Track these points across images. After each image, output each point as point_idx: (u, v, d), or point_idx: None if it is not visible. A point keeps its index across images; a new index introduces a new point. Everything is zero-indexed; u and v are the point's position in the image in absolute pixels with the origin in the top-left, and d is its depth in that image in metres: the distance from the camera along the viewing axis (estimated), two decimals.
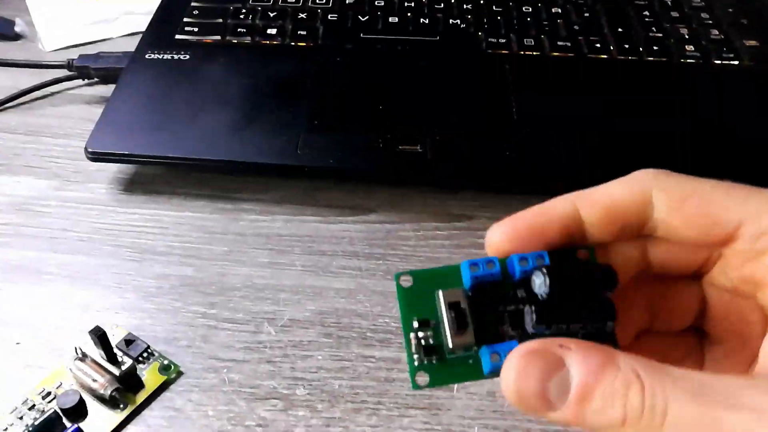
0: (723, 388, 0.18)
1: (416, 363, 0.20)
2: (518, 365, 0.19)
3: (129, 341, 0.29)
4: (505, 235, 0.21)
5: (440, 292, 0.20)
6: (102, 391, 0.27)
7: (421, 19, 0.45)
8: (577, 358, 0.19)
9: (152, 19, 0.45)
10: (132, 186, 0.38)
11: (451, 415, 0.28)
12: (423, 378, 0.20)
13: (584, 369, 0.19)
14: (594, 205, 0.21)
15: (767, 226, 0.20)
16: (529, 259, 0.20)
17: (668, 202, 0.21)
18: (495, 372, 0.20)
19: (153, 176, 0.39)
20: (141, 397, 0.28)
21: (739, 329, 0.23)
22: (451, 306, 0.20)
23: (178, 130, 0.37)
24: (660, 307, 0.26)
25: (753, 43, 0.43)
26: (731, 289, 0.22)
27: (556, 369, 0.19)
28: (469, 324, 0.20)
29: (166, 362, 0.29)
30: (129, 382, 0.28)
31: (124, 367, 0.28)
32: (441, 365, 0.20)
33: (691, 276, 0.24)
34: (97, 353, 0.28)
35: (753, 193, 0.20)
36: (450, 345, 0.19)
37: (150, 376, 0.29)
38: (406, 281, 0.20)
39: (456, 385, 0.29)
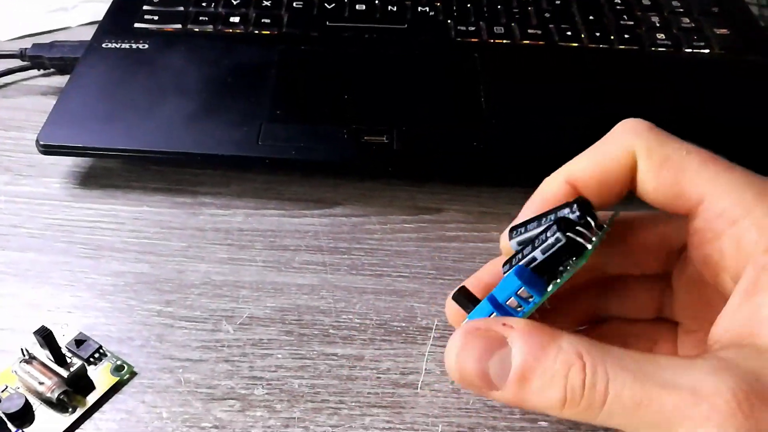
0: (664, 368, 0.18)
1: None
2: (460, 343, 0.20)
3: (80, 341, 0.28)
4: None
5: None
6: (49, 394, 0.26)
7: (389, 7, 0.44)
8: (519, 338, 0.19)
9: (110, 7, 0.43)
10: (87, 180, 0.37)
11: (414, 413, 0.27)
12: None
13: (525, 349, 0.19)
14: (589, 180, 0.22)
15: (725, 207, 0.20)
16: None
17: (648, 163, 0.21)
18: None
19: (110, 170, 0.37)
20: (91, 399, 0.27)
21: (707, 317, 0.22)
22: None
23: (135, 121, 0.36)
24: (620, 300, 0.25)
25: (723, 31, 0.43)
26: (695, 273, 0.22)
27: (497, 348, 0.19)
28: None
29: (118, 363, 0.28)
30: (78, 384, 0.27)
31: (72, 369, 0.27)
32: None
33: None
34: (44, 354, 0.27)
35: (724, 170, 0.20)
36: None
37: (102, 377, 0.28)
38: None
39: (420, 382, 0.28)
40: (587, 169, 0.22)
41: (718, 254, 0.20)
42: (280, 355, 0.29)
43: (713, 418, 0.16)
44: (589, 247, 0.19)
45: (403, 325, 0.31)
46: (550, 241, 0.19)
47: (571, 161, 0.23)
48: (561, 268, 0.20)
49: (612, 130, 0.22)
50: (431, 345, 0.30)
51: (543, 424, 0.27)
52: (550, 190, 0.23)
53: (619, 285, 0.25)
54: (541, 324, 0.19)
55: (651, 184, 0.21)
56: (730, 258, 0.20)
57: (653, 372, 0.18)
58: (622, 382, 0.18)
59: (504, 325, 0.19)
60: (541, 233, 0.20)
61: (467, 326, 0.20)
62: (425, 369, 0.29)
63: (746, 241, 0.19)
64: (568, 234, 0.19)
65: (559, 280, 0.20)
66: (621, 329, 0.26)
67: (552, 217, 0.21)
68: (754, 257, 0.19)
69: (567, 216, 0.20)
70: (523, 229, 0.22)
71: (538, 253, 0.20)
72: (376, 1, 0.44)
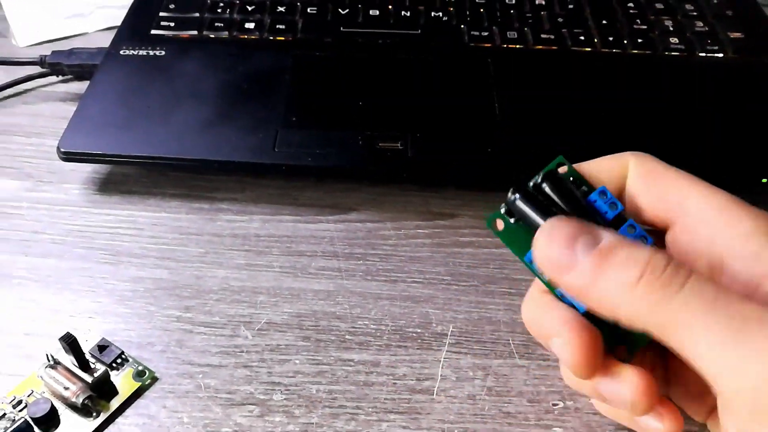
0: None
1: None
2: (555, 221, 0.21)
3: (102, 347, 0.29)
4: None
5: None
6: (74, 399, 0.27)
7: (403, 12, 0.44)
8: (613, 234, 0.20)
9: (127, 13, 0.44)
10: (106, 186, 0.37)
11: (430, 419, 0.28)
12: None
13: (617, 237, 0.20)
14: (585, 172, 0.24)
15: (700, 209, 0.22)
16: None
17: (638, 172, 0.24)
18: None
19: (128, 176, 0.38)
20: (115, 404, 0.27)
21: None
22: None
23: (153, 128, 0.36)
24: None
25: (737, 35, 0.43)
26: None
27: (590, 233, 0.20)
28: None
29: (140, 368, 0.29)
30: (102, 389, 0.27)
31: (96, 374, 0.27)
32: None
33: None
34: (68, 360, 0.28)
35: (700, 183, 0.23)
36: None
37: (124, 382, 0.28)
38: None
39: (436, 388, 0.29)
40: (585, 166, 0.24)
41: (694, 252, 0.22)
42: (297, 361, 0.30)
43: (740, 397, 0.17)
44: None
45: (419, 331, 0.31)
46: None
47: (578, 164, 0.25)
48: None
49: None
50: (446, 351, 0.30)
51: (558, 431, 0.27)
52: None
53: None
54: None
55: (638, 187, 0.23)
56: (706, 255, 0.21)
57: (733, 293, 0.18)
58: (704, 283, 0.18)
59: (603, 228, 0.21)
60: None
61: (562, 218, 0.21)
62: (441, 375, 0.29)
63: (721, 238, 0.21)
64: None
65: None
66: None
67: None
68: (735, 250, 0.20)
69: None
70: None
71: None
72: (390, 7, 0.45)
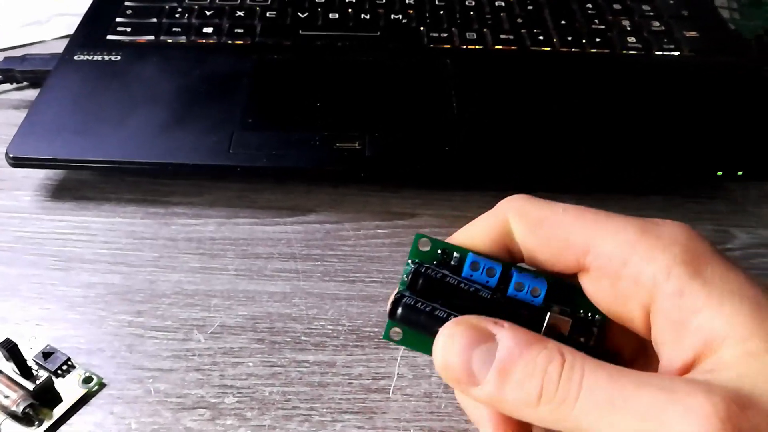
0: (640, 374, 0.18)
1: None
2: (448, 332, 0.20)
3: (47, 354, 0.28)
4: None
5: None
6: (14, 408, 0.26)
7: (362, 15, 0.44)
8: (508, 333, 0.19)
9: (83, 19, 0.43)
10: (60, 193, 0.37)
11: (386, 418, 0.27)
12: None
13: (511, 343, 0.19)
14: (459, 242, 0.22)
15: (612, 250, 0.20)
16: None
17: (523, 226, 0.21)
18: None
19: (82, 182, 0.37)
20: (58, 412, 0.27)
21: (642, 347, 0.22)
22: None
23: (107, 132, 0.36)
24: None
25: (693, 34, 0.44)
26: (614, 314, 0.22)
27: (484, 341, 0.19)
28: None
29: (87, 374, 0.28)
30: (45, 397, 0.27)
31: (38, 381, 0.26)
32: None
33: None
34: (9, 368, 0.27)
35: (601, 217, 0.21)
36: None
37: (70, 389, 0.27)
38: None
39: (392, 387, 0.28)
40: (460, 237, 0.23)
41: (621, 297, 0.20)
42: (251, 363, 0.29)
43: (690, 419, 0.16)
44: None
45: (376, 330, 0.30)
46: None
47: (452, 236, 0.23)
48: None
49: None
50: (404, 350, 0.30)
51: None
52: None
53: None
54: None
55: (533, 243, 0.21)
56: (635, 296, 0.20)
57: (629, 374, 0.18)
58: (596, 378, 0.17)
59: (496, 323, 0.19)
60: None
61: (459, 319, 0.20)
62: (397, 374, 0.29)
63: (643, 276, 0.19)
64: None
65: None
66: None
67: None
68: (660, 287, 0.19)
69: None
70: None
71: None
72: (349, 10, 0.45)
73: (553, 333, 0.20)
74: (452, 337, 0.19)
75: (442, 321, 0.20)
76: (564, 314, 0.21)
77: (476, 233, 0.22)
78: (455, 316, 0.20)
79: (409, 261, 0.22)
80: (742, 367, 0.17)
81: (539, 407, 0.18)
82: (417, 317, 0.20)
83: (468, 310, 0.20)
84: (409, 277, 0.21)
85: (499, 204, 0.22)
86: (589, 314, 0.21)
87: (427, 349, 0.21)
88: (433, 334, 0.20)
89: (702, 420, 0.16)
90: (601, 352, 0.21)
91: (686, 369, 0.18)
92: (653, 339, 0.20)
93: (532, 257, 0.21)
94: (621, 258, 0.20)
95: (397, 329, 0.21)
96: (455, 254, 0.22)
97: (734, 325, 0.17)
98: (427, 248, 0.22)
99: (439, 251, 0.22)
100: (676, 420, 0.16)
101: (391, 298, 0.21)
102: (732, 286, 0.18)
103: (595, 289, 0.21)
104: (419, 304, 0.20)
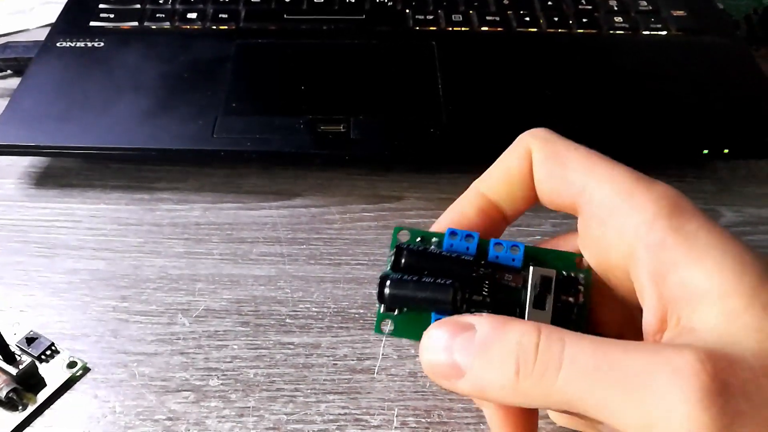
0: (623, 341, 0.17)
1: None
2: (431, 332, 0.20)
3: (31, 339, 0.28)
4: None
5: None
6: None
7: None
8: (485, 320, 0.19)
9: (65, 6, 0.43)
10: (44, 180, 0.37)
11: (370, 398, 0.27)
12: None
13: (488, 326, 0.19)
14: (492, 186, 0.23)
15: (604, 196, 0.20)
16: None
17: (539, 157, 0.22)
18: None
19: (67, 170, 0.37)
20: (42, 396, 0.26)
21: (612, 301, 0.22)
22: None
23: (90, 119, 0.36)
24: None
25: (680, 13, 0.43)
26: (599, 264, 0.22)
27: (464, 330, 0.19)
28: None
29: (71, 359, 0.28)
30: (28, 382, 0.27)
31: (21, 366, 0.26)
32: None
33: None
34: None
35: (604, 163, 0.21)
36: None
37: (54, 374, 0.27)
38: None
39: (377, 367, 0.28)
40: (494, 177, 0.23)
41: (606, 243, 0.20)
42: (236, 346, 0.29)
43: (678, 378, 0.16)
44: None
45: (361, 311, 0.30)
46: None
47: (482, 175, 0.23)
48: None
49: (515, 140, 0.23)
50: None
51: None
52: (464, 202, 0.23)
53: None
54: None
55: (540, 174, 0.21)
56: (617, 246, 0.20)
57: (614, 342, 0.17)
58: (580, 347, 0.17)
59: (474, 315, 0.20)
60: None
61: (439, 321, 0.20)
62: (382, 354, 0.29)
63: (628, 226, 0.19)
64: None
65: None
66: None
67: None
68: (642, 238, 0.19)
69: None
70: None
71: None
72: None
73: (545, 287, 0.21)
74: (434, 336, 0.19)
75: (430, 286, 0.20)
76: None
77: (507, 165, 0.22)
78: (442, 281, 0.20)
79: (389, 254, 0.22)
80: (723, 327, 0.17)
81: (519, 383, 0.18)
82: (405, 290, 0.20)
83: (452, 275, 0.20)
84: (392, 257, 0.21)
85: (521, 136, 0.22)
86: (572, 273, 0.21)
87: (421, 334, 0.20)
88: (423, 303, 0.20)
89: (691, 378, 0.15)
90: (589, 312, 0.21)
91: (664, 322, 0.18)
92: (637, 291, 0.19)
93: (541, 189, 0.22)
94: (610, 205, 0.20)
95: (388, 320, 0.21)
96: (434, 239, 0.22)
97: (714, 280, 0.17)
98: (406, 239, 0.22)
99: (418, 239, 0.22)
100: (665, 381, 0.16)
101: (379, 282, 0.21)
102: (715, 242, 0.18)
103: (585, 235, 0.21)
104: (405, 277, 0.21)
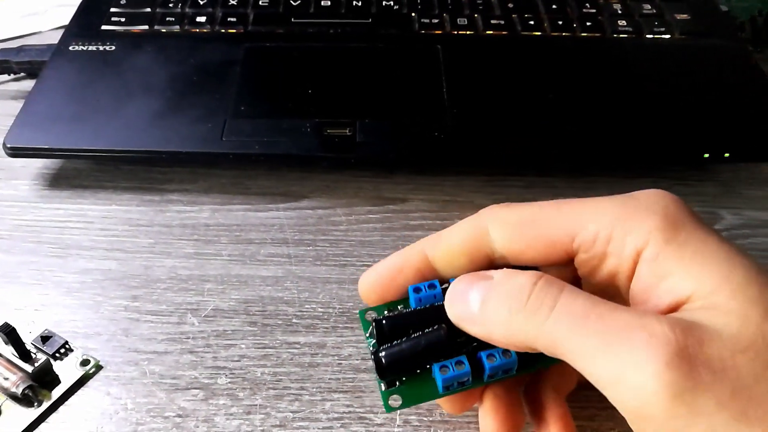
0: (612, 303, 0.19)
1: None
2: (456, 282, 0.22)
3: (45, 338, 0.29)
4: (370, 284, 0.24)
5: None
6: (14, 389, 0.27)
7: (354, 2, 0.44)
8: (502, 272, 0.21)
9: (77, 10, 0.44)
10: (57, 182, 0.37)
11: (374, 397, 0.28)
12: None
13: (502, 274, 0.21)
14: (438, 250, 0.24)
15: (596, 231, 0.21)
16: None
17: (506, 232, 0.22)
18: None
19: (79, 171, 0.38)
20: (57, 393, 0.27)
21: None
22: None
23: (102, 121, 0.36)
24: None
25: (684, 16, 0.44)
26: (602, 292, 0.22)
27: (483, 278, 0.21)
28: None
29: (84, 357, 0.29)
30: (44, 379, 0.27)
31: (37, 364, 0.27)
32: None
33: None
34: (8, 351, 0.27)
35: (578, 203, 0.22)
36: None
37: (68, 371, 0.28)
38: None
39: None
40: (440, 238, 0.24)
41: (611, 276, 0.21)
42: (243, 345, 0.30)
43: (652, 340, 0.17)
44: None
45: None
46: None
47: (434, 234, 0.24)
48: None
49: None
50: None
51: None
52: (408, 254, 0.24)
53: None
54: None
55: (519, 246, 0.22)
56: (622, 273, 0.21)
57: (606, 301, 0.19)
58: (575, 296, 0.19)
59: (497, 270, 0.21)
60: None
61: (462, 276, 0.22)
62: None
63: (626, 249, 0.20)
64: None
65: None
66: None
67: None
68: (640, 256, 0.20)
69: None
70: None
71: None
72: None
73: None
74: (456, 284, 0.21)
75: (422, 337, 0.21)
76: None
77: (455, 242, 0.23)
78: (429, 328, 0.21)
79: (366, 335, 0.23)
80: (706, 315, 0.18)
81: (513, 317, 0.19)
82: (400, 353, 0.21)
83: (434, 321, 0.21)
84: (373, 334, 0.22)
85: (477, 214, 0.23)
86: None
87: (432, 393, 0.21)
88: (421, 356, 0.21)
89: (662, 342, 0.17)
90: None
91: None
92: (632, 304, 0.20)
93: (520, 258, 0.22)
94: (605, 237, 0.20)
95: (395, 396, 0.22)
96: (400, 306, 0.23)
97: (701, 282, 0.18)
98: (374, 316, 0.23)
99: (385, 312, 0.23)
100: (639, 342, 0.17)
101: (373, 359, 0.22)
102: (703, 247, 0.19)
103: (590, 275, 0.22)
104: (395, 342, 0.21)
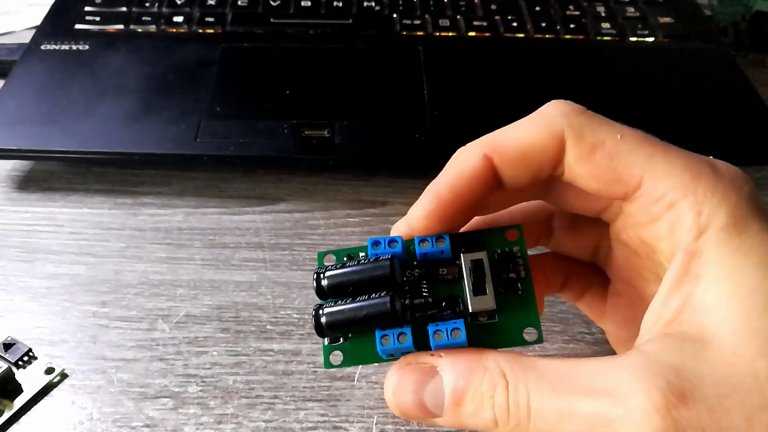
0: (584, 374, 0.18)
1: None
2: (395, 380, 0.20)
3: (8, 345, 0.28)
4: (425, 210, 0.21)
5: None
6: None
7: (335, 2, 0.44)
8: (448, 365, 0.19)
9: (51, 8, 0.43)
10: (27, 184, 0.36)
11: (349, 406, 0.27)
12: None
13: (454, 375, 0.19)
14: (507, 154, 0.21)
15: (664, 192, 0.19)
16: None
17: (578, 149, 0.20)
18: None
19: (50, 173, 0.37)
20: (19, 402, 0.26)
21: (637, 287, 0.22)
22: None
23: (73, 122, 0.35)
24: (564, 234, 0.25)
25: (667, 20, 0.43)
26: (631, 246, 0.22)
27: (428, 377, 0.19)
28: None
29: (48, 365, 0.28)
30: (5, 388, 0.26)
31: None
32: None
33: (595, 219, 0.23)
34: None
35: (661, 152, 0.20)
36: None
37: (31, 380, 0.27)
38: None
39: (357, 374, 0.28)
40: (510, 144, 0.21)
41: (653, 238, 0.20)
42: (215, 353, 0.29)
43: (631, 422, 0.16)
44: None
45: None
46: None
47: (492, 133, 0.21)
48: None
49: (539, 110, 0.21)
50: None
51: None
52: (467, 165, 0.21)
53: (566, 219, 0.25)
54: (465, 348, 0.19)
55: (583, 170, 0.20)
56: (664, 241, 0.19)
57: (574, 380, 0.18)
58: (542, 397, 0.18)
59: (432, 355, 0.20)
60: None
61: (400, 362, 0.20)
62: None
63: (681, 226, 0.19)
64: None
65: None
66: (563, 265, 0.25)
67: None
68: (685, 244, 0.19)
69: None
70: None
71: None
72: None
73: (479, 271, 0.20)
74: (399, 386, 0.20)
75: (366, 304, 0.19)
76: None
77: (528, 138, 0.20)
78: (377, 295, 0.19)
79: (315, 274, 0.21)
80: (691, 349, 0.17)
81: (499, 429, 0.19)
82: (342, 316, 0.19)
83: (379, 283, 0.19)
84: (315, 287, 0.20)
85: (547, 114, 0.20)
86: (506, 248, 0.21)
87: (374, 357, 0.20)
88: (364, 323, 0.19)
89: (644, 420, 0.16)
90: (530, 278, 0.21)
91: (662, 323, 0.18)
92: (659, 289, 0.19)
93: (577, 180, 0.20)
94: (670, 201, 0.19)
95: (335, 352, 0.20)
96: (361, 253, 0.21)
97: (720, 308, 0.17)
98: (332, 261, 0.21)
99: (344, 258, 0.21)
100: (621, 424, 0.16)
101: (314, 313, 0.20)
102: (745, 264, 0.18)
103: (631, 222, 0.20)
104: (339, 302, 0.20)
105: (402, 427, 0.26)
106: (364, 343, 0.20)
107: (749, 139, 0.36)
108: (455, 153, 0.22)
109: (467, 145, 0.21)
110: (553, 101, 0.21)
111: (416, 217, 0.21)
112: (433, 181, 0.21)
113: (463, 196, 0.21)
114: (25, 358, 0.28)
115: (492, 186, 0.21)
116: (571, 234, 0.25)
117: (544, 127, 0.20)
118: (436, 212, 0.21)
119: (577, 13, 0.44)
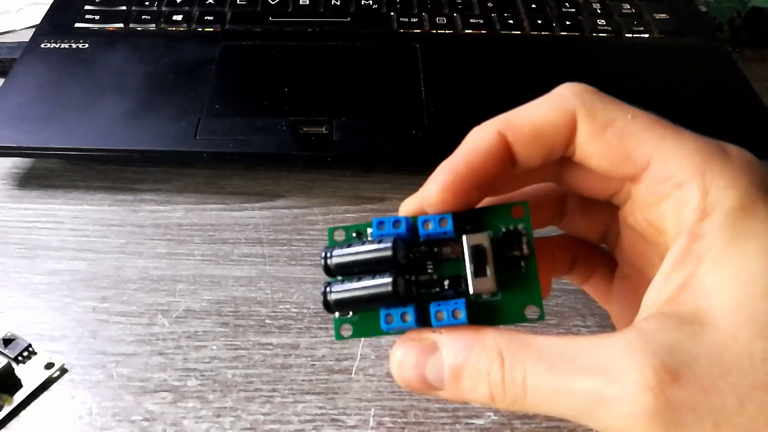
0: (580, 351, 0.18)
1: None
2: (399, 355, 0.20)
3: (8, 340, 0.28)
4: (442, 183, 0.21)
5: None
6: None
7: (333, 1, 0.44)
8: (447, 341, 0.20)
9: (51, 7, 0.43)
10: (27, 181, 0.37)
11: (347, 398, 0.27)
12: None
13: (453, 351, 0.19)
14: (521, 132, 0.21)
15: (672, 172, 0.19)
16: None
17: (590, 127, 0.20)
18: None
19: (51, 171, 0.37)
20: (19, 397, 0.27)
21: (644, 271, 0.23)
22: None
23: (73, 120, 0.36)
24: (573, 215, 0.25)
25: (663, 16, 0.44)
26: (639, 230, 0.22)
27: (430, 353, 0.20)
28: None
29: (48, 360, 0.28)
30: (5, 383, 0.27)
31: None
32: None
33: (606, 202, 0.23)
34: None
35: (671, 133, 0.20)
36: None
37: (30, 375, 0.27)
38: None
39: (354, 367, 0.28)
40: (524, 122, 0.21)
41: (660, 218, 0.20)
42: (214, 347, 0.29)
43: (624, 400, 0.16)
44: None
45: None
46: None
47: (506, 113, 0.21)
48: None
49: (553, 90, 0.21)
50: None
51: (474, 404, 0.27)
52: (482, 142, 0.21)
53: (578, 201, 0.25)
54: (466, 326, 0.20)
55: (594, 149, 0.20)
56: (670, 222, 0.20)
57: (570, 358, 0.18)
58: (538, 374, 0.18)
59: (434, 331, 0.20)
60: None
61: (404, 337, 0.20)
62: (360, 354, 0.29)
63: (686, 207, 0.19)
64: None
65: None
66: (571, 247, 0.26)
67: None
68: (689, 225, 0.19)
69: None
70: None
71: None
72: None
73: (479, 254, 0.20)
74: (402, 360, 0.20)
75: (370, 285, 0.20)
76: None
77: (542, 117, 0.20)
78: (381, 276, 0.20)
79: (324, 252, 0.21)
80: (687, 330, 0.17)
81: (496, 404, 0.19)
82: (349, 296, 0.20)
83: (384, 264, 0.20)
84: (323, 266, 0.20)
85: (563, 91, 0.21)
86: (510, 226, 0.21)
87: (380, 330, 0.20)
88: (369, 303, 0.20)
89: (638, 403, 0.16)
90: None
91: (660, 302, 0.19)
92: (660, 269, 0.19)
93: (587, 160, 0.20)
94: (678, 181, 0.19)
95: (346, 325, 0.21)
96: (369, 229, 0.21)
97: (720, 294, 0.17)
98: (342, 237, 0.22)
99: (353, 234, 0.22)
100: (615, 402, 0.17)
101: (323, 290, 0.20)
102: (748, 252, 0.18)
103: (639, 204, 0.20)
104: (346, 282, 0.20)
105: (399, 420, 0.26)
106: (371, 318, 0.21)
107: (745, 134, 0.36)
108: (470, 132, 0.22)
109: (482, 123, 0.22)
110: (566, 83, 0.21)
111: (432, 192, 0.21)
112: (448, 158, 0.21)
113: (478, 171, 0.21)
114: (25, 354, 0.28)
115: (507, 163, 0.21)
116: (582, 214, 0.25)
117: (558, 105, 0.20)
118: (452, 186, 0.21)
119: (572, 10, 0.44)
